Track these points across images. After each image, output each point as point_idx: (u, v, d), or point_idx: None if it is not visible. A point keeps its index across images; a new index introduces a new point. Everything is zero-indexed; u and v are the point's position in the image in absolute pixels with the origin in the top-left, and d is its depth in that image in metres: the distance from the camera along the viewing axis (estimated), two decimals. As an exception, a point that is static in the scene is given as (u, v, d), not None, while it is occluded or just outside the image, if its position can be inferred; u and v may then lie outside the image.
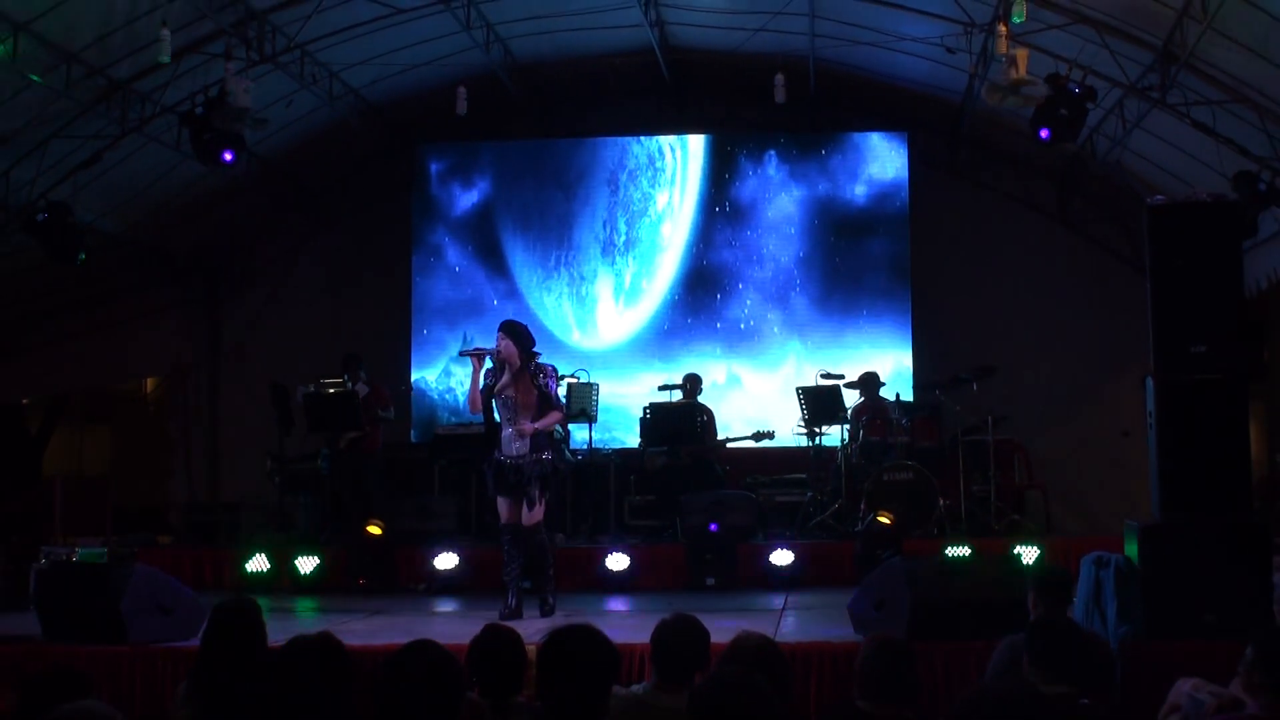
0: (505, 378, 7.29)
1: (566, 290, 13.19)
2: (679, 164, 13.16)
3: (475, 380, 7.26)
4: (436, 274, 13.32)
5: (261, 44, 10.29)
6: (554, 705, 3.42)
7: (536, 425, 7.29)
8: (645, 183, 13.17)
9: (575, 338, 13.05)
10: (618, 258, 13.16)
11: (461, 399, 12.42)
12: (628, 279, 13.10)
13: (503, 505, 7.39)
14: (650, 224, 13.14)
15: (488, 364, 7.31)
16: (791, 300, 12.93)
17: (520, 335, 7.34)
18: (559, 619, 7.27)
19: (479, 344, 7.45)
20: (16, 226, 10.35)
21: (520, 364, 7.27)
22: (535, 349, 7.39)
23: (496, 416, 7.52)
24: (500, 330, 7.37)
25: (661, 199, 13.14)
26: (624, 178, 13.22)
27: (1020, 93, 9.28)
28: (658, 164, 13.19)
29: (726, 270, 13.02)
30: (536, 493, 7.29)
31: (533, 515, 7.32)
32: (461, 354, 7.33)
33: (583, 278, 13.18)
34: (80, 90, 10.02)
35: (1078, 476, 12.22)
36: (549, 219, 13.25)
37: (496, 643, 3.87)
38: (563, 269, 13.20)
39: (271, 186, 13.39)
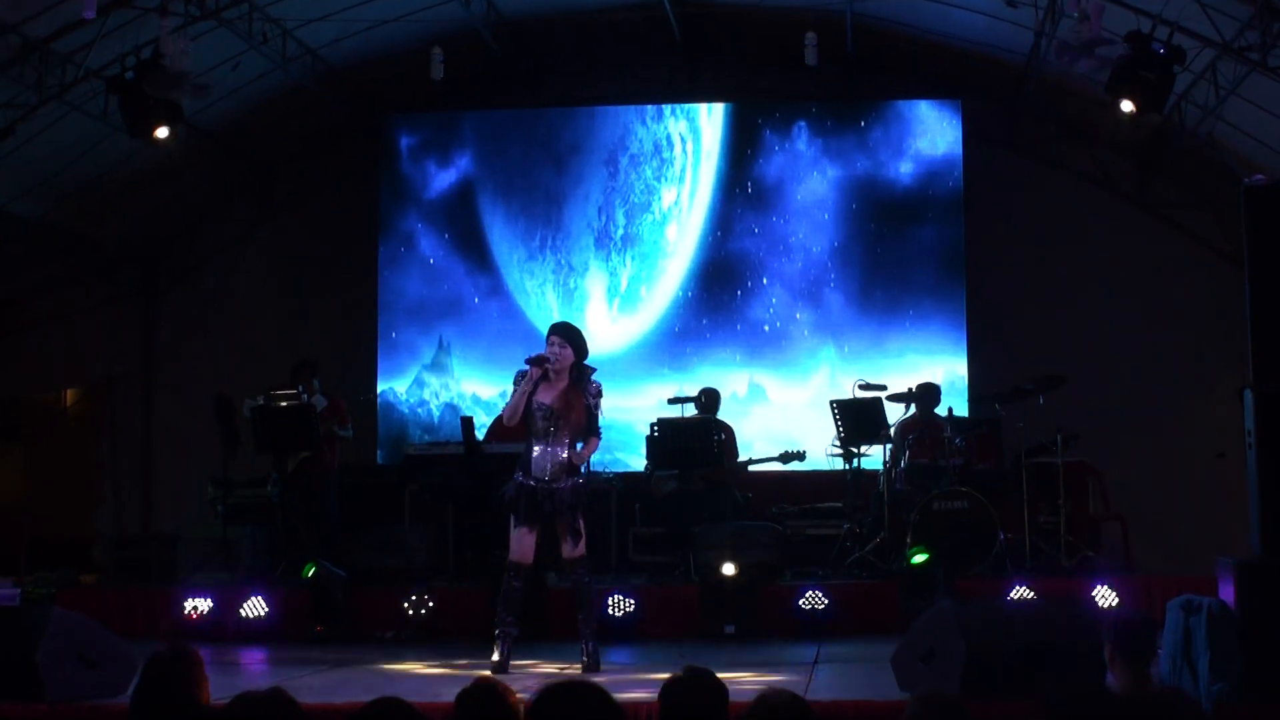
0: (552, 389, 7.33)
1: (552, 278, 13.20)
2: (690, 158, 13.15)
3: (525, 391, 7.32)
4: (408, 266, 13.33)
5: (203, -3, 10.32)
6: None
7: (589, 452, 7.48)
8: (649, 173, 13.17)
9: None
10: (613, 254, 13.17)
11: (462, 412, 12.47)
12: (624, 281, 13.10)
13: (524, 538, 7.41)
14: (653, 222, 13.14)
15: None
16: (825, 298, 12.92)
17: (578, 342, 7.45)
18: (551, 673, 7.27)
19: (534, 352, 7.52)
20: (-84, 211, 10.40)
21: (572, 376, 7.35)
22: (587, 360, 7.48)
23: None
24: (556, 333, 7.46)
25: (668, 196, 13.14)
26: (624, 161, 13.23)
27: (1095, 54, 9.26)
28: (665, 154, 13.17)
29: (748, 262, 13.01)
30: (580, 521, 7.38)
31: (578, 548, 7.41)
32: (529, 361, 7.35)
33: (571, 268, 13.19)
34: (-10, 51, 10.05)
35: (1163, 506, 12.19)
36: (535, 192, 13.27)
37: (484, 700, 3.85)
38: (549, 253, 13.21)
39: (215, 165, 13.41)
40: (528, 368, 7.37)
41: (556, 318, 12.93)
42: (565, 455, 7.34)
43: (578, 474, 7.44)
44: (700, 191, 13.13)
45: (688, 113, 13.24)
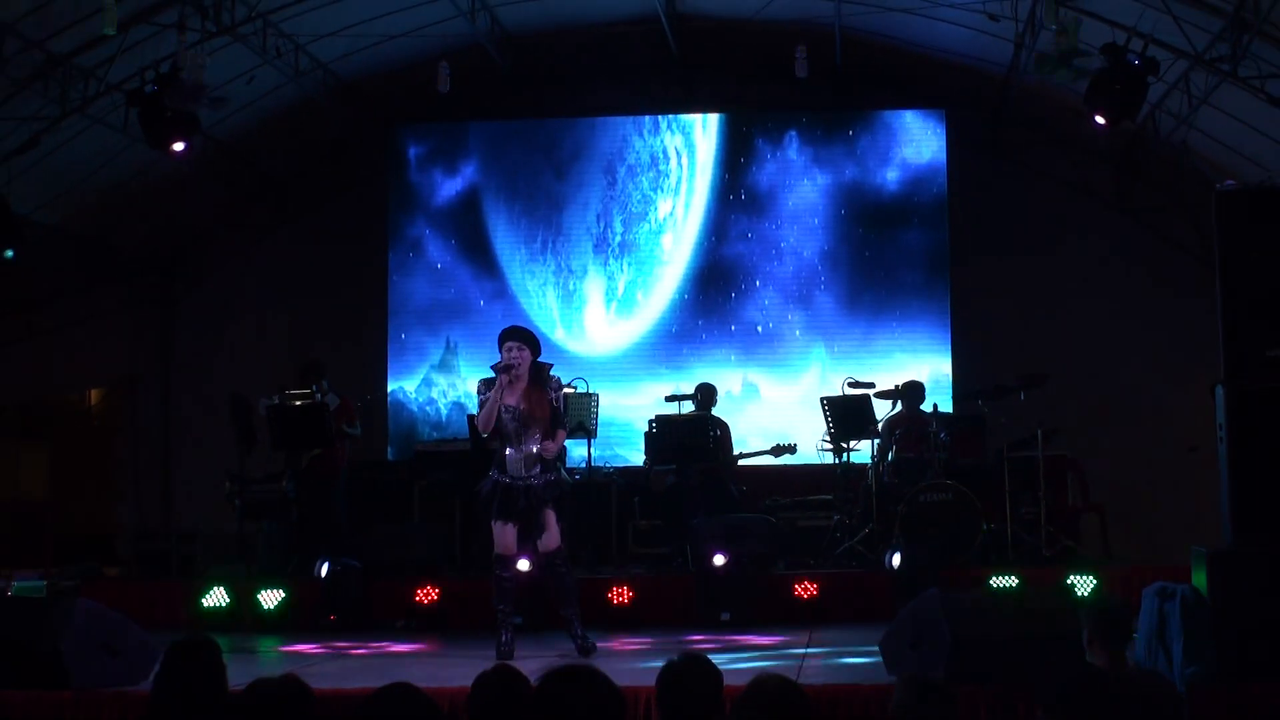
0: (514, 391, 7.36)
1: (552, 280, 13.21)
2: (685, 170, 13.14)
3: (496, 399, 7.36)
4: (416, 271, 13.34)
5: (219, 13, 10.32)
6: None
7: (558, 444, 7.49)
8: (646, 184, 13.18)
9: (559, 336, 13.04)
10: (611, 259, 13.18)
11: (469, 410, 12.47)
12: (621, 286, 13.11)
13: (504, 532, 7.44)
14: (650, 231, 13.14)
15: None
16: (815, 300, 12.93)
17: (534, 343, 7.52)
18: (553, 659, 7.28)
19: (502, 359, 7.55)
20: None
21: (532, 375, 7.38)
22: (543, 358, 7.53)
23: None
24: (513, 338, 7.48)
25: (664, 206, 13.14)
26: (622, 171, 13.23)
27: (1072, 65, 9.28)
28: (661, 166, 13.18)
29: (742, 266, 13.02)
30: (553, 514, 7.42)
31: (551, 539, 7.46)
32: (496, 369, 7.38)
33: (570, 271, 13.20)
34: (15, 66, 10.05)
35: (1139, 497, 12.19)
36: (537, 195, 13.27)
37: (501, 684, 3.87)
38: (549, 255, 13.23)
39: (231, 174, 13.42)
40: (493, 375, 7.41)
41: (557, 318, 13.00)
42: (536, 451, 7.39)
43: (551, 469, 7.48)
44: (695, 203, 13.13)
45: (683, 127, 13.24)
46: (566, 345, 12.97)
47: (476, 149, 13.47)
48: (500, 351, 7.46)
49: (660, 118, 13.27)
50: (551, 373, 7.53)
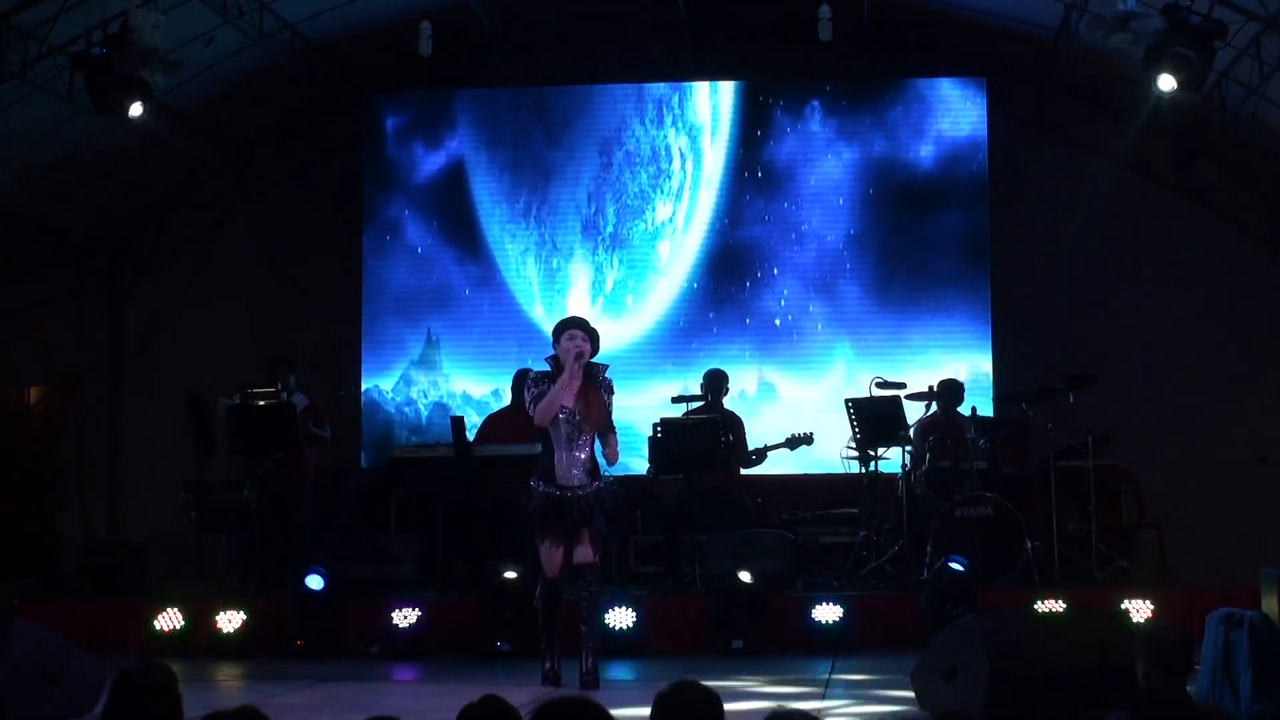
0: (569, 390, 7.38)
1: (534, 249, 13.18)
2: (689, 177, 13.08)
3: (560, 392, 7.37)
4: (394, 255, 13.34)
5: (174, -33, 10.32)
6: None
7: (616, 450, 7.59)
8: (645, 178, 13.13)
9: (538, 314, 12.97)
10: (600, 249, 13.15)
11: (451, 411, 12.50)
12: (609, 282, 13.08)
13: (551, 552, 7.49)
14: (645, 233, 13.10)
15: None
16: (840, 290, 12.92)
17: (596, 338, 7.58)
18: (548, 691, 7.29)
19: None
20: None
21: (587, 374, 7.46)
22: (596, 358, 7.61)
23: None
24: (579, 328, 7.55)
25: (663, 210, 13.09)
26: (619, 156, 13.18)
27: (1129, 28, 9.27)
28: (662, 165, 13.12)
29: (758, 252, 13.01)
30: (603, 526, 7.51)
31: (589, 551, 7.52)
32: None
33: (555, 247, 13.17)
34: (-53, 26, 10.05)
35: (1201, 513, 12.18)
36: (523, 159, 13.25)
37: (489, 717, 3.87)
38: (532, 222, 13.21)
39: (187, 147, 13.40)
40: (548, 369, 7.47)
41: (537, 292, 12.98)
42: (587, 458, 7.47)
43: (599, 476, 7.56)
44: (698, 215, 13.00)
45: (689, 129, 13.14)
46: (545, 327, 12.66)
47: (461, 120, 13.46)
48: (557, 342, 7.49)
49: (664, 110, 13.17)
50: (605, 375, 7.59)
